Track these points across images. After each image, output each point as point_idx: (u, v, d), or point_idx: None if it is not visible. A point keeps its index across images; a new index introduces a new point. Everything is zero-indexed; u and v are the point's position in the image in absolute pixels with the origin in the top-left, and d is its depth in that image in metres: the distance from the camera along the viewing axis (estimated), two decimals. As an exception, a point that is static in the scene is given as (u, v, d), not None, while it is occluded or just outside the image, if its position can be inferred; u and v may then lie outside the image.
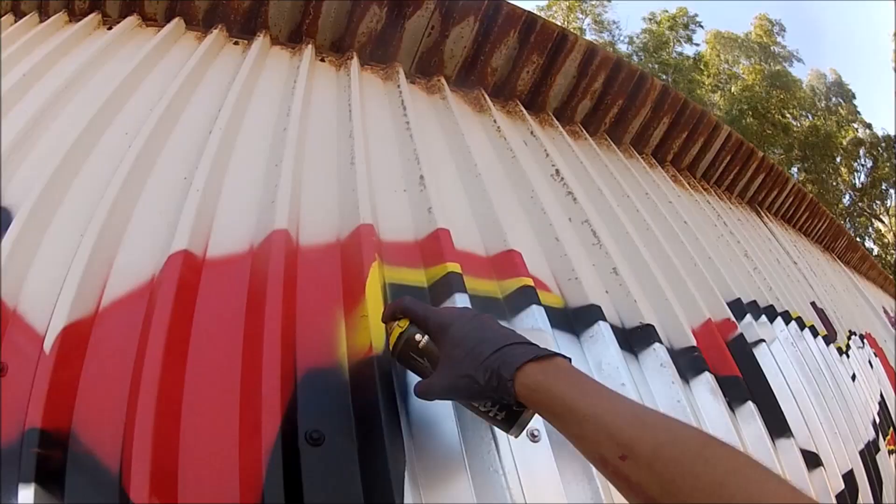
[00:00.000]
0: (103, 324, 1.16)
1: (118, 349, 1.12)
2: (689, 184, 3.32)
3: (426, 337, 0.99)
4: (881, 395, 3.60)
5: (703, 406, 1.57)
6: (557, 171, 2.06)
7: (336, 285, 1.31)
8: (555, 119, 2.57)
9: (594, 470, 1.13)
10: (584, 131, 2.69)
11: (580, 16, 24.17)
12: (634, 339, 1.59)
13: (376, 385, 1.05)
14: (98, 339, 1.13)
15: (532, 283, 1.44)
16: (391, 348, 1.03)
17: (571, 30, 2.43)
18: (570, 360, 0.88)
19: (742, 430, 1.63)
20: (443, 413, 1.10)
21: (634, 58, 22.37)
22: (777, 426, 1.78)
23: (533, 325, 1.34)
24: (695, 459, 0.65)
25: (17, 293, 1.19)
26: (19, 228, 1.25)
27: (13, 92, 1.67)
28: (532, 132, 2.27)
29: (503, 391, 0.86)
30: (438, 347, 0.97)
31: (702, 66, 21.60)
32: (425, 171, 1.65)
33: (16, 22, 2.14)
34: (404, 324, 1.02)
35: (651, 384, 1.50)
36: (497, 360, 0.87)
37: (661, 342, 1.59)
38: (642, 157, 3.02)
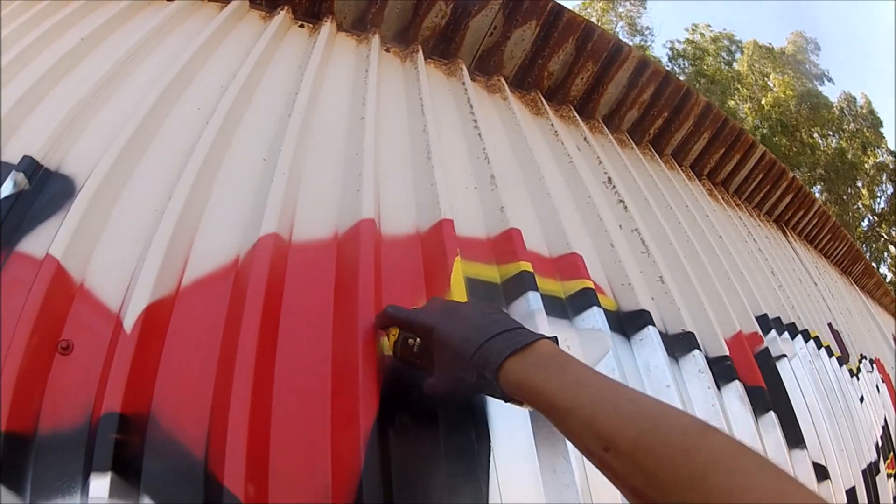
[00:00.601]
0: (184, 305, 1.19)
1: (201, 331, 1.16)
2: (722, 198, 3.47)
3: (419, 339, 1.05)
4: (885, 420, 3.73)
5: (733, 412, 1.71)
6: (609, 178, 2.20)
7: (418, 277, 1.39)
8: (604, 126, 2.71)
9: None
10: (630, 140, 2.83)
11: (613, 18, 24.15)
12: (676, 345, 1.73)
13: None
14: (179, 320, 1.16)
15: (593, 286, 1.57)
16: (392, 353, 1.10)
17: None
18: (554, 339, 0.93)
19: (764, 437, 1.76)
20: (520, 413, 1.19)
21: (670, 65, 22.37)
22: (793, 437, 1.92)
23: (593, 325, 1.47)
24: (674, 451, 0.65)
25: (83, 268, 1.21)
26: (88, 200, 1.27)
27: (68, 58, 1.65)
28: (585, 138, 2.40)
29: (493, 390, 0.92)
30: (430, 349, 1.01)
31: (738, 81, 21.62)
32: (495, 170, 1.77)
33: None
34: (396, 330, 1.08)
35: (689, 388, 1.63)
36: (480, 359, 0.91)
37: (699, 349, 1.73)
38: (682, 170, 3.17)
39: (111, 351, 1.08)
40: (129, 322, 1.08)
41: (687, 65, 22.33)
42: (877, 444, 3.16)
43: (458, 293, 1.30)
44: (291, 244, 1.33)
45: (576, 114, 2.56)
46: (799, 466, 1.87)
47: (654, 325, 1.64)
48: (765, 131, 19.31)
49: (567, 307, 1.54)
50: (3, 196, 1.25)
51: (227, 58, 1.86)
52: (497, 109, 2.24)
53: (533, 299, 1.38)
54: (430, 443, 1.09)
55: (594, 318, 1.49)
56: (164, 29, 1.88)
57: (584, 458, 0.79)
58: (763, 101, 20.44)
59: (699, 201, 2.96)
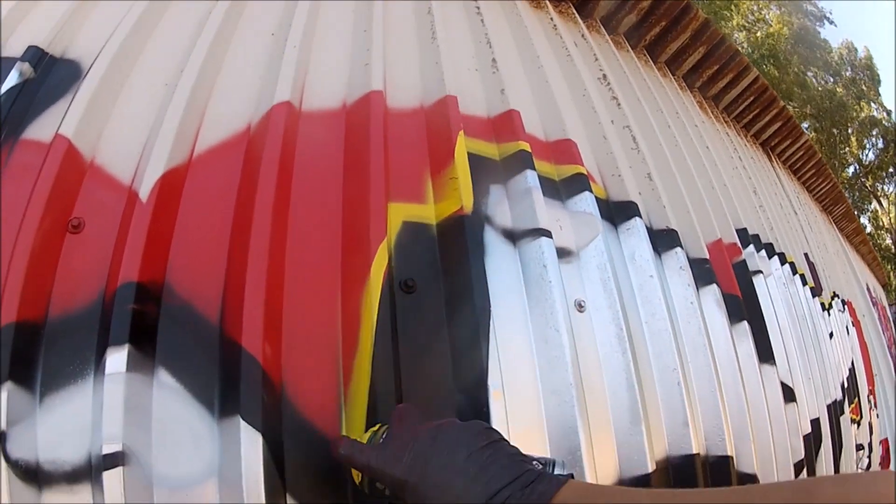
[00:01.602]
0: (198, 172, 1.26)
1: (215, 198, 1.24)
2: (712, 113, 3.56)
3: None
4: (852, 364, 3.93)
5: (709, 314, 1.82)
6: (605, 76, 2.26)
7: (423, 148, 1.48)
8: (601, 26, 2.76)
9: (625, 335, 1.40)
10: (626, 43, 2.89)
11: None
12: (660, 240, 1.83)
13: (466, 244, 1.26)
14: (193, 187, 1.23)
15: (585, 172, 1.66)
16: (359, 484, 0.97)
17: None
18: (571, 476, 0.81)
19: (737, 345, 1.88)
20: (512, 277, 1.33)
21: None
22: (764, 351, 2.05)
23: (585, 209, 1.57)
24: None
25: (94, 145, 1.27)
26: (99, 79, 1.32)
27: None
28: (582, 35, 2.45)
29: None
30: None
31: (732, 5, 21.48)
32: (497, 55, 1.82)
33: None
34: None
35: (670, 282, 1.74)
36: None
37: (681, 247, 1.84)
38: (674, 78, 3.25)
39: (125, 223, 1.15)
40: (144, 191, 1.15)
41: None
42: (842, 385, 3.33)
43: (462, 165, 1.38)
44: (302, 112, 1.40)
45: (574, 11, 2.61)
46: (768, 382, 2.00)
47: (640, 217, 1.74)
48: (755, 58, 19.32)
49: (560, 189, 1.63)
50: (8, 87, 1.29)
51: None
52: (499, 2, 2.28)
53: (531, 177, 1.47)
54: (435, 305, 1.21)
55: (586, 202, 1.59)
56: None
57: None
58: (759, 34, 20.43)
59: (689, 111, 3.06)
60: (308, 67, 1.52)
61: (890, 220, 23.39)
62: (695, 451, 1.45)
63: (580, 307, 1.38)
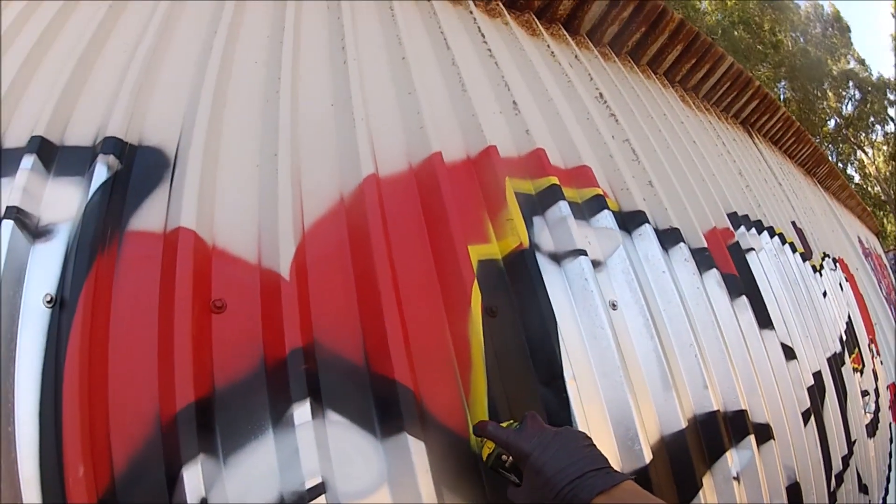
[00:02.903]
0: (314, 244, 1.48)
1: (335, 263, 1.48)
2: (693, 104, 3.99)
3: (512, 457, 1.24)
4: (849, 317, 4.35)
5: (713, 294, 2.22)
6: (601, 94, 2.64)
7: (478, 195, 1.80)
8: (588, 41, 3.15)
9: (650, 323, 1.80)
10: (611, 52, 3.30)
11: None
12: (666, 239, 2.20)
13: (531, 273, 1.62)
14: (314, 258, 1.46)
15: (602, 193, 2.04)
16: (484, 459, 1.31)
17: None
18: (634, 478, 1.13)
19: (739, 317, 2.28)
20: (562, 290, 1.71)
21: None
22: (763, 319, 2.45)
23: (606, 224, 1.95)
24: None
25: (210, 230, 1.43)
26: (198, 169, 1.47)
27: (101, 31, 1.75)
28: (576, 55, 2.83)
29: None
30: (521, 470, 1.21)
31: None
32: (515, 96, 2.16)
33: None
34: (492, 443, 1.29)
35: (678, 273, 2.13)
36: (570, 493, 1.09)
37: (684, 242, 2.23)
38: (657, 78, 3.67)
39: (267, 299, 1.37)
40: (285, 270, 1.38)
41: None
42: (841, 338, 3.75)
43: (514, 207, 1.72)
44: (381, 179, 1.66)
45: (565, 32, 2.99)
46: (770, 345, 2.40)
47: (648, 222, 2.13)
48: (726, 25, 19.73)
49: (584, 210, 2.00)
50: (100, 182, 1.40)
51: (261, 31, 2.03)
52: (501, 35, 2.61)
53: (563, 206, 1.83)
54: (514, 323, 1.58)
55: (606, 219, 1.97)
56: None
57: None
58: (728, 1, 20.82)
59: (674, 108, 3.47)
60: (373, 136, 1.75)
61: (877, 166, 23.83)
62: (715, 408, 1.83)
63: (614, 306, 1.77)
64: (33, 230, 1.36)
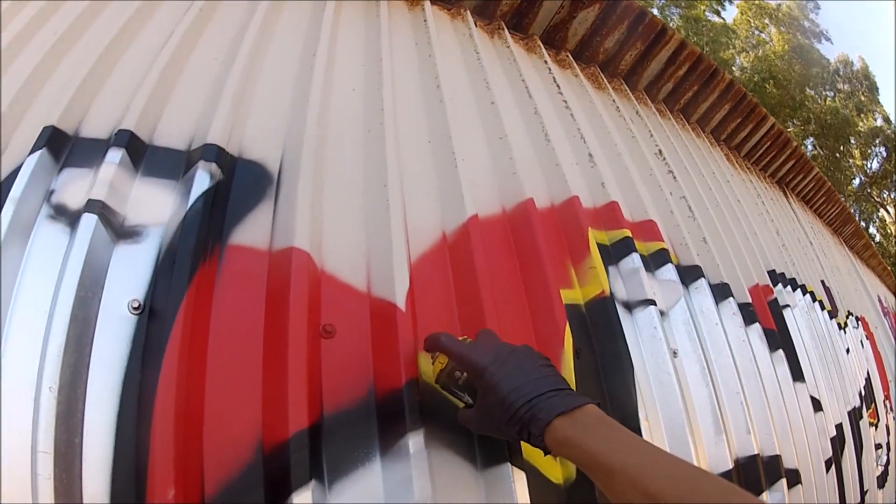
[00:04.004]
0: (421, 278, 1.53)
1: (440, 298, 1.54)
2: (736, 162, 4.24)
3: (465, 374, 1.19)
4: (868, 374, 4.51)
5: (755, 347, 2.39)
6: (660, 151, 2.86)
7: (563, 242, 1.92)
8: (646, 96, 3.39)
9: (706, 371, 1.99)
10: (666, 109, 3.54)
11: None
12: (716, 293, 2.39)
13: (612, 320, 1.77)
14: (421, 291, 1.49)
15: (667, 247, 2.24)
16: (435, 378, 1.26)
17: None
18: (598, 403, 1.07)
19: (776, 369, 2.47)
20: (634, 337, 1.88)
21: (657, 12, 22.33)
22: (796, 372, 2.63)
23: (669, 277, 2.14)
24: None
25: (320, 253, 1.45)
26: (309, 189, 1.50)
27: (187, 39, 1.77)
28: (637, 111, 3.06)
29: (534, 443, 1.07)
30: (475, 387, 1.16)
31: (731, 30, 22.04)
32: (591, 148, 2.35)
33: None
34: (445, 359, 1.23)
35: (727, 326, 2.30)
36: (527, 413, 1.05)
37: (732, 296, 2.42)
38: (705, 136, 3.92)
39: (378, 327, 1.39)
40: (400, 301, 1.39)
41: (676, 12, 22.49)
42: (860, 393, 3.93)
43: (597, 258, 1.89)
44: (481, 220, 1.75)
45: (627, 87, 3.21)
46: (801, 397, 2.58)
47: (704, 276, 2.33)
48: (757, 81, 20.00)
49: (650, 263, 2.18)
50: (203, 190, 1.40)
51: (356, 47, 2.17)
52: (572, 87, 2.81)
53: (636, 259, 2.01)
54: (594, 366, 1.72)
55: (669, 272, 2.16)
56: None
57: None
58: (759, 54, 21.06)
59: (721, 167, 3.70)
60: (473, 180, 1.85)
61: (896, 226, 23.97)
62: (756, 452, 2.01)
63: (675, 354, 1.94)
64: (118, 229, 1.34)
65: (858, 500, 3.15)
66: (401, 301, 1.39)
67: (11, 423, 1.08)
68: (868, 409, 4.01)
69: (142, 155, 1.48)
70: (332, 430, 1.24)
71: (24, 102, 1.54)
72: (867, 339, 5.32)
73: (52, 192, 1.37)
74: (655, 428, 1.73)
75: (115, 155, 1.40)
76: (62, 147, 1.46)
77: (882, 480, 3.89)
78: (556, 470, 1.43)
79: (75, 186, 1.39)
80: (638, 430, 1.62)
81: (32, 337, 1.17)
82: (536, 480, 1.36)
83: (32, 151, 1.39)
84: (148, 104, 1.55)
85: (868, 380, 4.44)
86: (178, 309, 1.22)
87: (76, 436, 1.10)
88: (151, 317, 1.24)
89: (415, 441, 1.23)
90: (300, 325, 1.27)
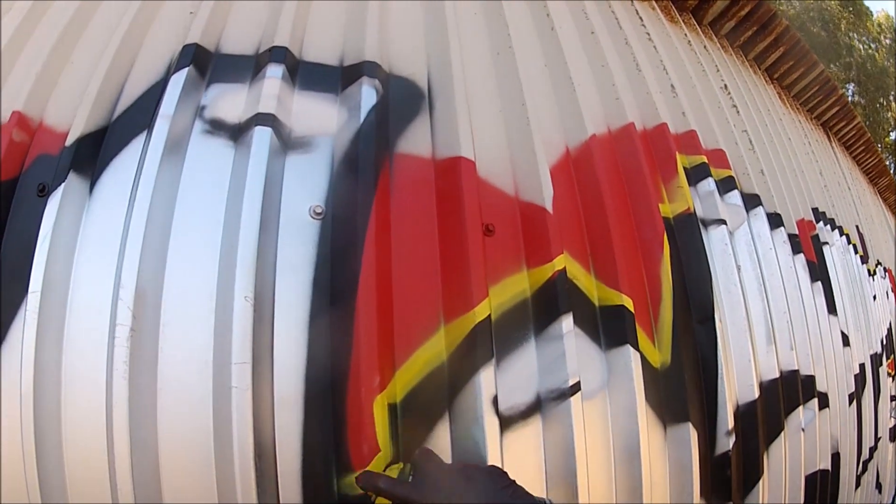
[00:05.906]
0: (557, 186, 1.75)
1: (572, 204, 1.82)
2: (788, 103, 4.45)
3: None
4: (890, 325, 4.70)
5: (800, 275, 2.64)
6: (725, 85, 3.05)
7: (653, 162, 2.13)
8: (711, 31, 3.58)
9: (763, 287, 2.26)
10: (729, 45, 3.75)
11: None
12: (771, 221, 2.59)
13: (696, 233, 2.01)
14: (558, 195, 1.73)
15: (733, 174, 2.46)
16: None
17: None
18: None
19: (816, 299, 2.72)
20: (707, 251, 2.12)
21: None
22: (831, 305, 2.88)
23: (735, 202, 2.36)
24: None
25: (475, 161, 1.63)
26: (465, 102, 1.70)
27: None
28: (704, 46, 3.23)
29: None
30: None
31: None
32: (673, 80, 2.55)
33: None
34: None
35: (778, 252, 2.53)
36: None
37: (783, 226, 2.64)
38: (760, 73, 4.15)
39: (530, 228, 1.62)
40: (548, 204, 1.63)
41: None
42: (882, 342, 4.16)
43: (683, 179, 2.12)
44: (596, 137, 1.99)
45: (695, 22, 3.40)
46: (833, 330, 2.83)
47: (762, 205, 2.55)
48: (804, 20, 19.91)
49: (721, 188, 2.37)
50: (371, 104, 1.54)
51: None
52: (650, 20, 2.91)
53: (710, 182, 2.24)
54: (681, 270, 1.92)
55: (735, 197, 2.39)
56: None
57: None
58: (807, -1, 20.96)
59: (774, 105, 3.93)
60: (587, 103, 2.06)
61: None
62: (796, 368, 2.26)
63: (739, 269, 2.19)
64: (286, 140, 1.47)
65: (872, 443, 3.41)
66: (548, 204, 1.64)
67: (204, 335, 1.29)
68: (888, 359, 4.23)
69: (296, 70, 1.63)
70: (501, 319, 1.49)
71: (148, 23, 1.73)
72: (892, 291, 5.49)
73: (203, 108, 1.52)
74: (724, 330, 1.98)
75: (276, 70, 1.55)
76: (206, 64, 1.62)
77: (894, 433, 4.14)
78: (655, 356, 1.77)
79: (228, 101, 1.54)
80: (714, 330, 1.89)
81: (207, 248, 1.35)
82: (643, 362, 1.69)
83: (177, 69, 1.55)
84: (295, 22, 1.70)
85: (890, 331, 4.62)
86: (369, 213, 1.39)
87: (267, 343, 1.28)
88: (335, 221, 1.41)
89: (566, 323, 1.53)
90: (475, 224, 1.49)
